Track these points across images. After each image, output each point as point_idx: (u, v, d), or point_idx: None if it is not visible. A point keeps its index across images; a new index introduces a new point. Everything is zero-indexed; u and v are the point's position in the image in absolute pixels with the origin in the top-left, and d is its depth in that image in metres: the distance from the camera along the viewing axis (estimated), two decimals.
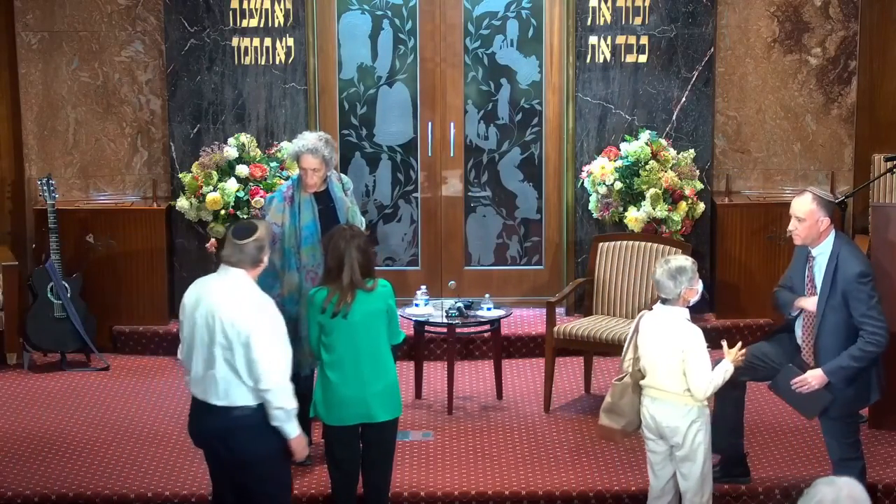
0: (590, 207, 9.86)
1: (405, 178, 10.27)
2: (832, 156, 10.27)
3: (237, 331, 6.30)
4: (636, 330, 6.85)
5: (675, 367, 6.69)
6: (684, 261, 6.75)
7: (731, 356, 6.78)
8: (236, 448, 6.39)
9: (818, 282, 7.04)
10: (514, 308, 9.62)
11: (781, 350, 7.29)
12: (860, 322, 6.91)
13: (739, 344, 6.88)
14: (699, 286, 6.78)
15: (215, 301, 6.36)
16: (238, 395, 6.35)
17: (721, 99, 10.17)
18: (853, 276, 6.90)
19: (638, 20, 9.86)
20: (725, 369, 6.74)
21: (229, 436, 6.38)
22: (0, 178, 10.05)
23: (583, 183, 9.88)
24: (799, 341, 7.22)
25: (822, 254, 7.04)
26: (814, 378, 6.98)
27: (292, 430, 6.42)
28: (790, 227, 7.09)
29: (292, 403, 6.39)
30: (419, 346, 9.00)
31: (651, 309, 6.90)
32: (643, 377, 6.83)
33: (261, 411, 6.37)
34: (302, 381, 7.52)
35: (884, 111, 10.15)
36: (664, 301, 6.75)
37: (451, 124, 10.17)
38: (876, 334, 6.90)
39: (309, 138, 7.82)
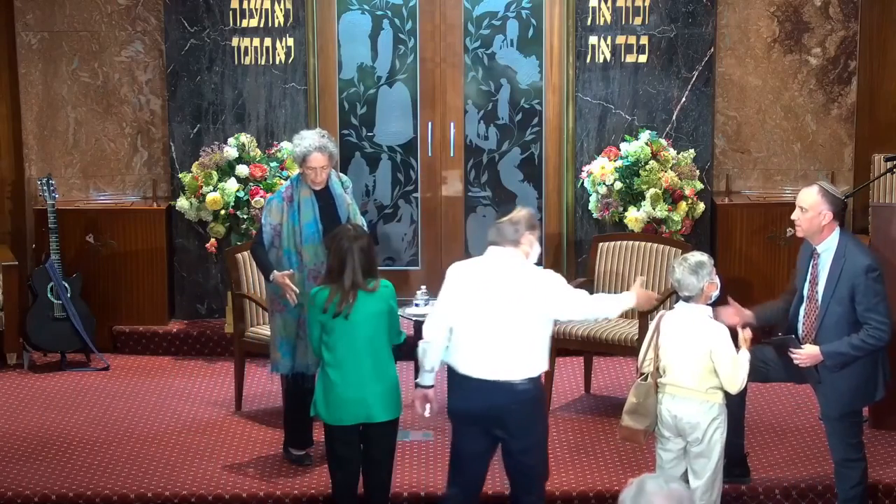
0: (590, 207, 9.85)
1: (405, 178, 10.27)
2: (832, 156, 10.26)
3: (529, 302, 6.47)
4: (657, 329, 6.86)
5: (699, 366, 6.73)
6: (700, 256, 6.83)
7: (746, 344, 6.86)
8: (511, 423, 6.51)
9: (822, 280, 7.03)
10: None
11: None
12: (864, 317, 6.90)
13: (748, 332, 6.96)
14: (717, 280, 6.82)
15: (502, 277, 6.53)
16: (519, 370, 6.50)
17: (721, 99, 10.16)
18: (862, 270, 6.90)
19: (638, 20, 9.86)
20: (747, 359, 6.81)
21: (506, 412, 6.50)
22: (0, 178, 10.05)
23: (583, 183, 9.87)
24: (800, 334, 7.21)
25: (827, 250, 7.02)
26: (808, 355, 6.99)
27: None
28: (793, 216, 7.07)
29: None
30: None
31: (671, 308, 6.91)
32: (660, 376, 6.85)
33: (537, 384, 6.56)
34: (308, 380, 7.54)
35: (884, 111, 10.15)
36: (686, 299, 6.78)
37: (451, 124, 10.17)
38: (879, 329, 6.89)
39: (313, 137, 7.74)
